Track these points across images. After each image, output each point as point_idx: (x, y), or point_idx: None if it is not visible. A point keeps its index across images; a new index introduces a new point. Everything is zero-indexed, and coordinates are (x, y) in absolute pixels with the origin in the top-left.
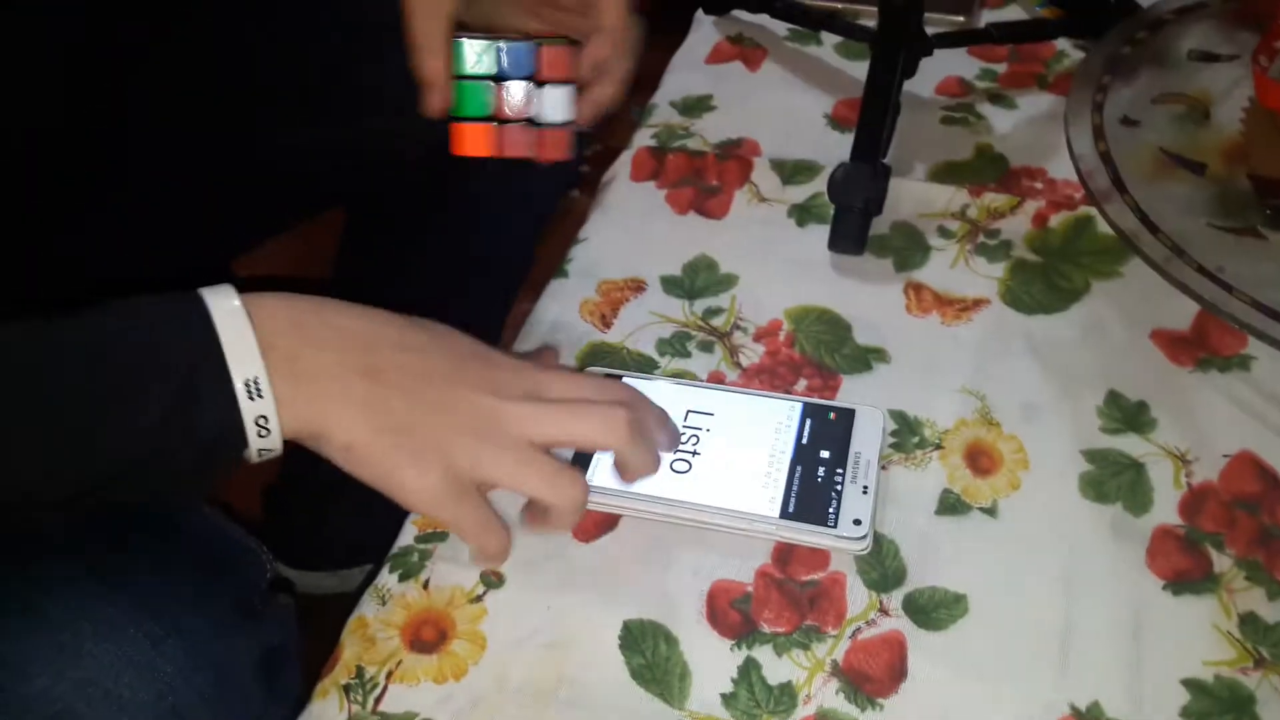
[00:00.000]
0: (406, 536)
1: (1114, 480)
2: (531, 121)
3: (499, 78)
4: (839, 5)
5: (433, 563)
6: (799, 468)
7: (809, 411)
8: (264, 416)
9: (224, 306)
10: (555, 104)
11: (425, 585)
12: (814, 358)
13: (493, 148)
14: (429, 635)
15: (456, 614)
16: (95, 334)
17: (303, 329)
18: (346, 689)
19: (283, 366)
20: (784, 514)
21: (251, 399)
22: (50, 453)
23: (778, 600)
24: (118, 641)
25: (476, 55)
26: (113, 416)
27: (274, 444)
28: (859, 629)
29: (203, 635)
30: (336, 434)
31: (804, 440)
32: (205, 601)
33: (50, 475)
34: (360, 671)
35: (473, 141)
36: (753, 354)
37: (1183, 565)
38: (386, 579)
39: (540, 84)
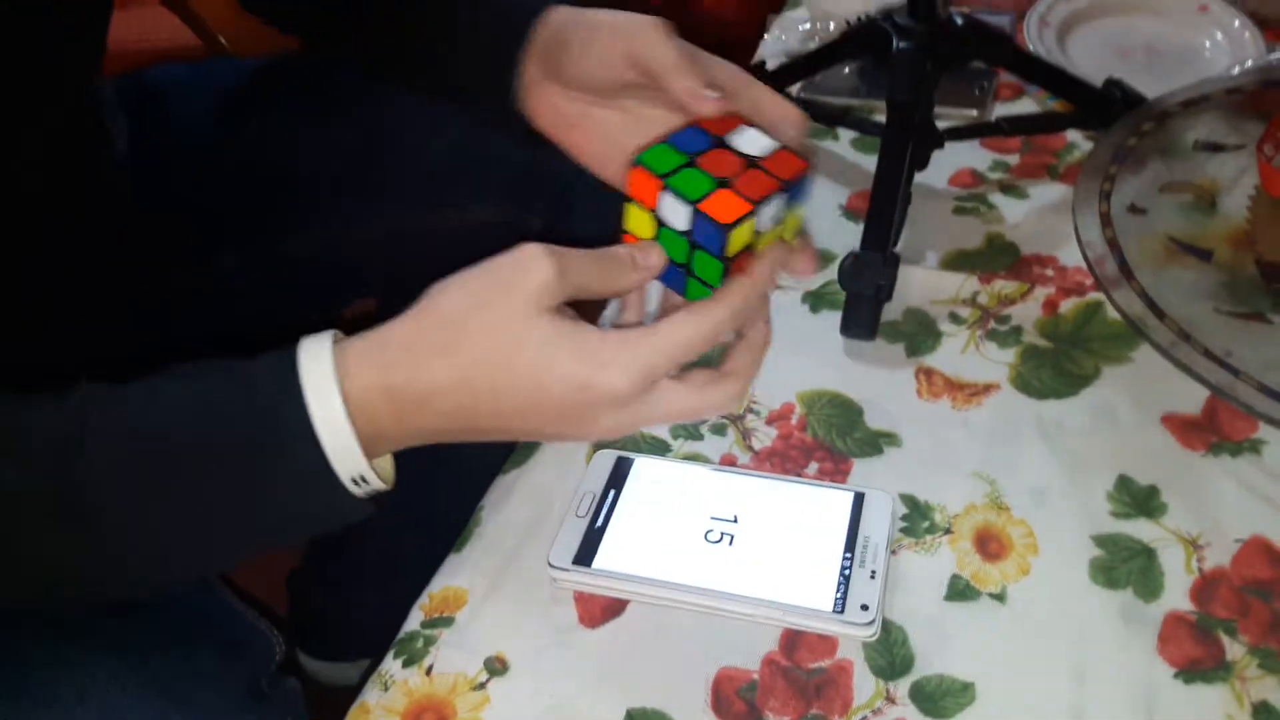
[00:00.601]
0: (413, 621)
1: (1125, 566)
2: None
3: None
4: (854, 102)
5: (437, 648)
6: (807, 552)
7: (817, 495)
8: (375, 493)
9: (327, 411)
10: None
11: (428, 671)
12: (825, 441)
13: None
14: None
15: (459, 701)
16: (195, 428)
17: (402, 417)
18: None
19: (388, 449)
20: (792, 599)
21: (357, 485)
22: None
23: (783, 689)
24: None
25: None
26: (224, 523)
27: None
28: (865, 718)
29: (208, 714)
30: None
31: (813, 524)
32: (213, 682)
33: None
34: None
35: None
36: (765, 437)
37: (1195, 653)
38: (390, 665)
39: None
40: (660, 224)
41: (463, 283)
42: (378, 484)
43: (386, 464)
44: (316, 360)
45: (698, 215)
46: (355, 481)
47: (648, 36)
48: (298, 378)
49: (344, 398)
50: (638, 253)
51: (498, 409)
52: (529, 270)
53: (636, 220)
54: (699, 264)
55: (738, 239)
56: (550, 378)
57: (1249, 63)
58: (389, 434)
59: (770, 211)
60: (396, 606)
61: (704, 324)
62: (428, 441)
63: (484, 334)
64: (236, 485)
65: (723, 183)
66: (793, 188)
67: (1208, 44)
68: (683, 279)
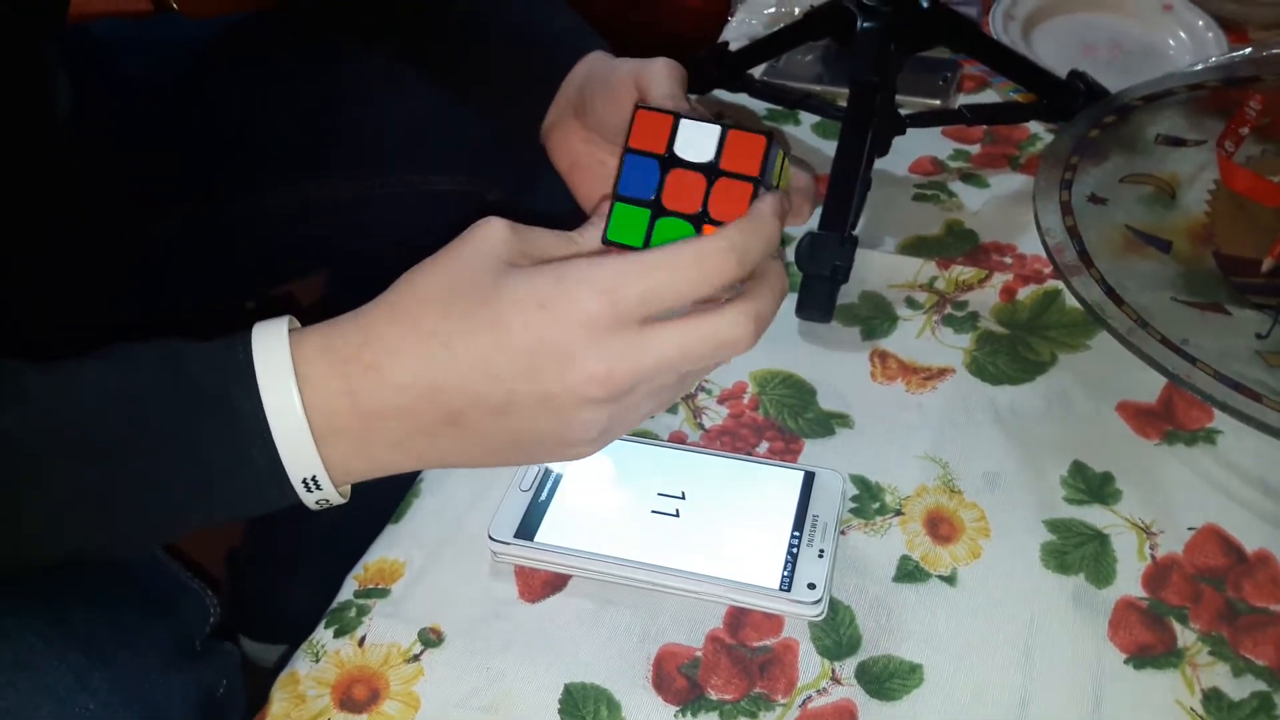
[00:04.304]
0: (346, 592)
1: (1077, 551)
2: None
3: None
4: (817, 88)
5: (371, 619)
6: (755, 529)
7: (767, 473)
8: (324, 500)
9: (281, 405)
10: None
11: (361, 642)
12: (777, 421)
13: None
14: (360, 694)
15: (391, 673)
16: (124, 418)
17: (359, 400)
18: None
19: (353, 450)
20: (738, 576)
21: (309, 490)
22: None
23: (727, 666)
24: (38, 671)
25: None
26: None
27: (337, 501)
28: (809, 698)
29: (133, 670)
30: (434, 467)
31: (762, 502)
32: (139, 637)
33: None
34: None
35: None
36: (716, 415)
37: (1145, 639)
38: (321, 635)
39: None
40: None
41: (418, 264)
42: (331, 493)
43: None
44: (271, 345)
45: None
46: (307, 485)
47: (654, 71)
48: (251, 365)
49: (301, 391)
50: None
51: (455, 365)
52: (479, 228)
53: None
54: None
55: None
56: (503, 304)
57: (1212, 60)
58: (345, 425)
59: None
60: (337, 588)
61: (696, 254)
62: (392, 450)
63: (432, 286)
64: (163, 476)
65: (695, 217)
66: (767, 174)
67: (1171, 42)
68: None
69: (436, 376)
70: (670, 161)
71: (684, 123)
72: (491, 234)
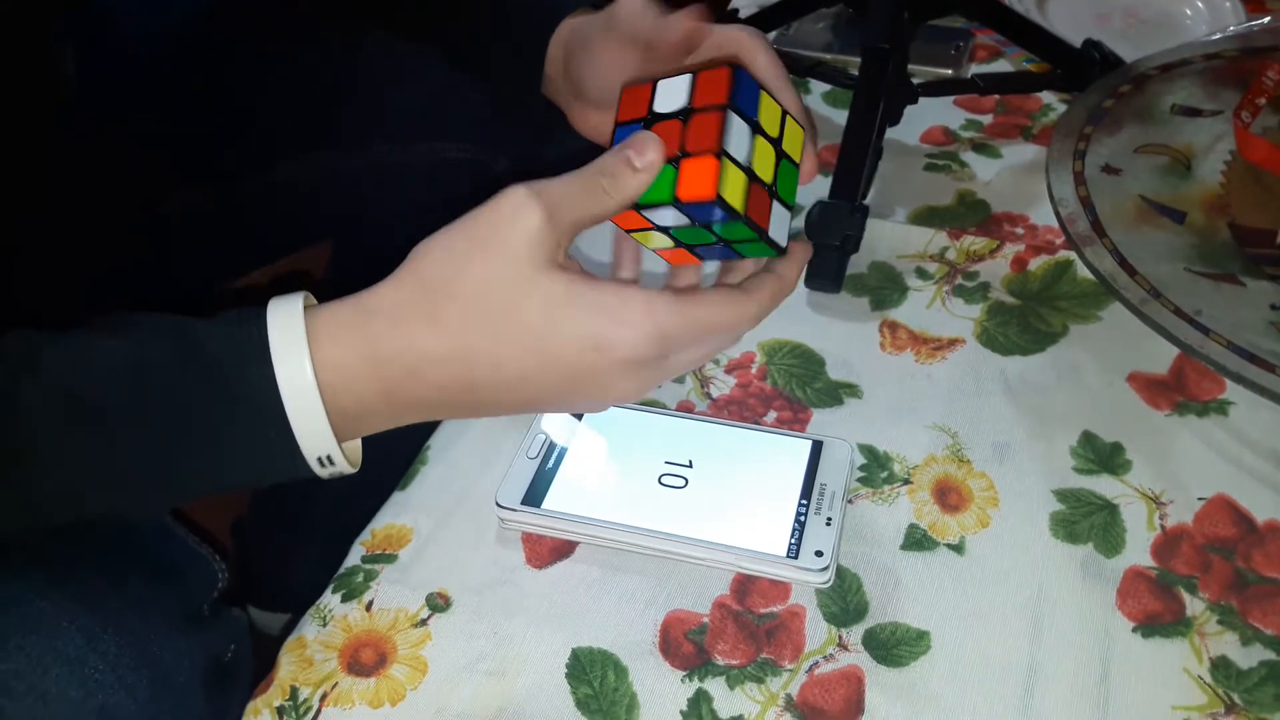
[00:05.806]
0: (354, 557)
1: (1086, 520)
2: None
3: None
4: (827, 57)
5: (378, 584)
6: (762, 497)
7: (775, 442)
8: (337, 472)
9: (299, 391)
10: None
11: (368, 607)
12: (785, 390)
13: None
14: (368, 658)
15: (398, 637)
16: (137, 392)
17: (391, 393)
18: (280, 710)
19: (377, 425)
20: (745, 543)
21: (323, 466)
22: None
23: (734, 632)
24: (48, 635)
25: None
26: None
27: (349, 472)
28: (816, 663)
29: (141, 635)
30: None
31: (769, 471)
32: (147, 601)
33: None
34: (294, 692)
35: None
36: (723, 385)
37: (1154, 608)
38: (329, 599)
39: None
40: (671, 231)
41: (445, 241)
42: (345, 467)
43: (355, 444)
44: (286, 325)
45: (686, 207)
46: (321, 462)
47: (628, 7)
48: (266, 344)
49: (316, 370)
50: (632, 151)
51: (498, 379)
52: (514, 220)
53: (653, 241)
54: (728, 231)
55: (733, 194)
56: (557, 340)
57: (1229, 30)
58: (375, 410)
59: (736, 138)
60: (342, 559)
61: (733, 312)
62: (421, 419)
63: (475, 297)
64: (176, 452)
65: (675, 160)
66: (738, 99)
67: (1188, 12)
68: (728, 250)
69: (475, 383)
70: (651, 120)
71: (660, 83)
72: (525, 225)
